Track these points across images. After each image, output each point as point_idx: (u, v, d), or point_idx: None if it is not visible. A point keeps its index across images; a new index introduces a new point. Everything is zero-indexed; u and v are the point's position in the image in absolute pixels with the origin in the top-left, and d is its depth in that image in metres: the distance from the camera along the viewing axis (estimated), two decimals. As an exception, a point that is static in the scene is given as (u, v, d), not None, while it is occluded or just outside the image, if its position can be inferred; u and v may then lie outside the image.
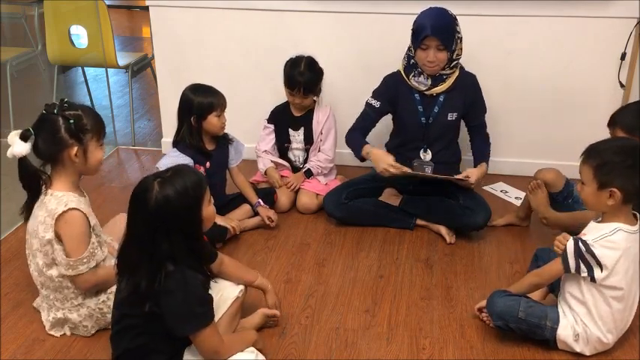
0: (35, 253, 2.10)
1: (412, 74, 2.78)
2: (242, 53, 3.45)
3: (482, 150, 2.92)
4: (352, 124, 2.97)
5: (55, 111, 2.03)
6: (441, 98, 2.80)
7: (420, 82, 2.77)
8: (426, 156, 2.88)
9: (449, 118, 2.83)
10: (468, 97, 2.82)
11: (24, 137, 2.00)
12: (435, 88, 2.77)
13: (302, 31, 3.34)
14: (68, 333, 2.18)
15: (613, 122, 2.43)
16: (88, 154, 2.08)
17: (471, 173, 2.75)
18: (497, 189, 3.28)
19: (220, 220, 2.69)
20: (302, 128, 3.13)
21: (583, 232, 2.06)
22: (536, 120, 3.35)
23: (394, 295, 2.45)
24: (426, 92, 2.79)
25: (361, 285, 2.51)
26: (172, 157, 2.69)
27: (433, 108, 2.81)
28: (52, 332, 2.19)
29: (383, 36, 3.00)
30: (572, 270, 2.01)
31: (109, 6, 3.85)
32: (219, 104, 2.73)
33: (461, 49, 2.76)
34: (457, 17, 2.72)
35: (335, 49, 3.33)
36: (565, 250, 2.02)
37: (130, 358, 1.86)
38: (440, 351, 2.15)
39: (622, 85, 3.18)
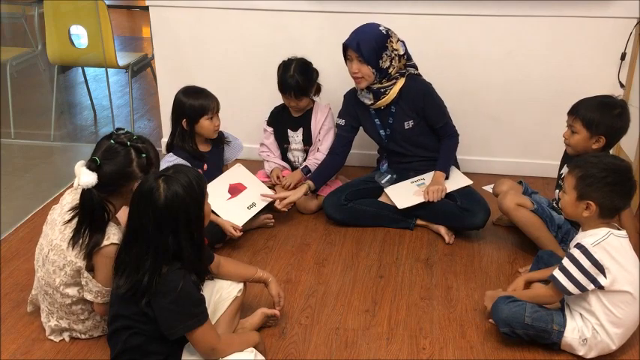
0: (55, 270, 2.02)
1: (358, 90, 2.88)
2: (242, 53, 3.45)
3: (442, 154, 2.92)
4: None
5: (128, 143, 1.98)
6: (393, 109, 2.87)
7: (364, 97, 2.88)
8: (384, 166, 3.01)
9: (406, 127, 2.89)
10: (416, 104, 2.85)
11: (91, 167, 1.92)
12: (379, 102, 2.85)
13: (301, 31, 3.35)
14: (67, 339, 2.16)
15: (575, 112, 2.44)
16: None
17: (430, 194, 2.77)
18: (497, 189, 3.28)
19: (222, 223, 2.70)
20: (301, 129, 3.13)
21: (573, 240, 2.07)
22: (536, 120, 3.35)
23: (394, 295, 2.45)
24: (372, 106, 2.87)
25: (361, 285, 2.51)
26: (169, 162, 2.67)
27: (388, 119, 2.90)
28: (51, 337, 2.16)
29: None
30: (576, 293, 2.00)
31: (109, 6, 3.85)
32: (210, 107, 2.72)
33: (403, 64, 2.82)
34: (393, 35, 2.77)
35: (334, 49, 3.32)
36: (556, 280, 2.02)
37: (126, 358, 1.86)
38: (440, 351, 2.15)
39: (622, 85, 3.18)
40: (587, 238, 2.00)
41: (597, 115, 2.37)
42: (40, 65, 4.85)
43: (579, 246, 1.99)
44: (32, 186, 3.28)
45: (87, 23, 3.86)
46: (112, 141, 1.99)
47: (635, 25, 3.07)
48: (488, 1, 3.14)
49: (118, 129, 2.05)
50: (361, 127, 3.05)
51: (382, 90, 2.81)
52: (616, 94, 2.52)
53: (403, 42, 2.82)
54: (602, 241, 1.98)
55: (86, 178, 1.90)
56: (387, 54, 2.75)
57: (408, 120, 2.88)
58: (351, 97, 2.99)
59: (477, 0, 3.14)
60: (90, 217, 1.95)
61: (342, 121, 3.01)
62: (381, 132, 2.94)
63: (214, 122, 2.76)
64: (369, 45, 2.72)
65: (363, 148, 3.35)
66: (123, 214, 1.98)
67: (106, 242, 1.97)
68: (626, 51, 3.13)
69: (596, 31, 3.14)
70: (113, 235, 1.98)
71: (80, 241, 1.97)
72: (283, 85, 2.99)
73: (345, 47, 2.79)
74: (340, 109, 3.03)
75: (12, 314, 2.31)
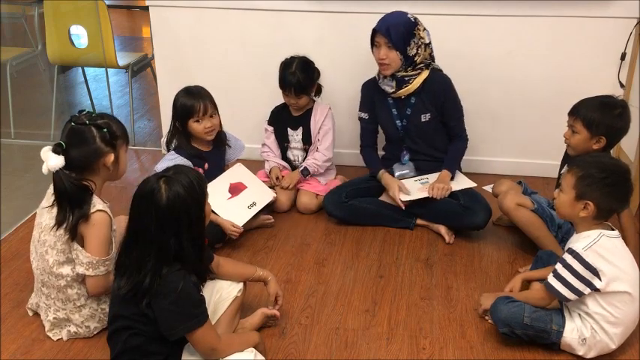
0: (47, 250, 2.08)
1: (380, 78, 2.89)
2: (242, 53, 3.45)
3: (451, 155, 2.95)
4: (360, 141, 3.08)
5: (87, 122, 2.05)
6: (412, 100, 2.88)
7: (386, 85, 2.87)
8: (406, 157, 2.99)
9: (422, 120, 2.90)
10: (437, 98, 2.87)
11: (57, 151, 1.99)
12: (401, 91, 2.84)
13: (301, 31, 3.34)
14: (65, 338, 2.17)
15: (575, 112, 2.43)
16: (119, 161, 2.12)
17: (435, 191, 2.78)
18: (497, 189, 3.27)
19: (222, 223, 2.70)
20: (301, 128, 3.13)
21: (567, 243, 2.08)
22: (536, 120, 3.35)
23: (394, 295, 2.45)
24: (393, 95, 2.87)
25: (361, 285, 2.51)
26: (170, 161, 2.68)
27: (406, 110, 2.90)
28: (50, 334, 2.18)
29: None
30: (573, 298, 2.00)
31: (109, 6, 3.85)
32: (196, 110, 2.69)
33: (429, 53, 2.84)
34: (420, 23, 2.80)
35: (334, 49, 3.33)
36: (552, 287, 2.01)
37: (126, 359, 1.86)
38: (440, 351, 2.15)
39: (622, 85, 3.18)
40: (579, 242, 2.00)
41: (598, 116, 2.37)
42: (40, 65, 4.86)
43: (571, 251, 2.00)
44: (32, 186, 3.28)
45: (87, 23, 3.85)
46: (72, 123, 2.06)
47: (635, 25, 3.07)
48: (488, 1, 3.14)
49: (80, 111, 2.12)
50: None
51: (406, 78, 2.82)
52: (616, 95, 2.52)
53: (428, 31, 2.83)
54: (593, 244, 1.98)
55: (53, 161, 1.98)
56: (414, 41, 2.76)
57: (426, 113, 2.88)
58: (369, 86, 2.98)
59: (477, 0, 3.14)
60: (67, 197, 2.01)
61: (365, 115, 3.01)
62: (397, 122, 2.93)
63: (204, 125, 2.72)
64: (397, 30, 2.73)
65: (363, 148, 3.35)
66: (121, 222, 2.01)
67: (92, 210, 2.03)
68: (626, 51, 3.13)
69: (596, 31, 3.13)
70: (99, 204, 2.05)
71: (65, 222, 2.03)
72: (284, 82, 2.99)
73: (374, 33, 2.80)
74: (360, 102, 3.03)
75: (12, 314, 2.31)
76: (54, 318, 2.16)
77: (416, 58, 2.79)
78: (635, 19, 3.07)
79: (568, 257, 1.99)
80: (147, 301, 1.75)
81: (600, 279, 1.96)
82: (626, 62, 3.15)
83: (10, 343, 2.17)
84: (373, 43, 2.82)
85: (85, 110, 2.11)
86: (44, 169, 2.00)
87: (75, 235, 2.04)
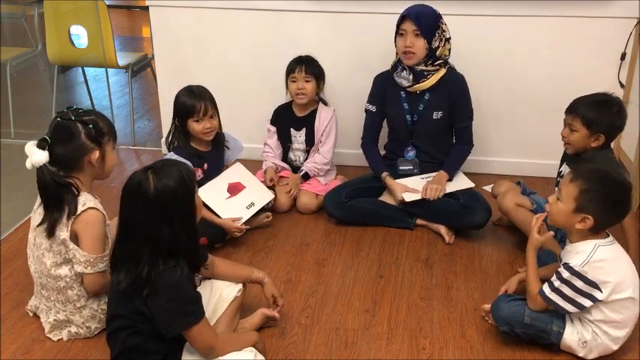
0: (43, 253, 2.07)
1: (397, 70, 2.87)
2: (242, 53, 3.45)
3: (453, 156, 2.96)
4: (362, 133, 3.06)
5: (73, 117, 2.03)
6: (427, 96, 2.87)
7: (403, 78, 2.86)
8: (411, 153, 2.97)
9: (434, 117, 2.89)
10: (452, 96, 2.87)
11: (41, 146, 1.98)
12: (418, 85, 2.84)
13: (302, 31, 3.34)
14: (65, 338, 2.16)
15: (574, 111, 2.43)
16: (105, 158, 2.10)
17: (428, 192, 2.79)
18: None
19: (222, 222, 2.70)
20: (304, 129, 3.12)
21: (561, 258, 2.07)
22: (536, 120, 3.35)
23: (394, 295, 2.45)
24: (409, 89, 2.86)
25: (361, 285, 2.51)
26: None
27: (418, 106, 2.89)
28: (50, 335, 2.17)
29: (382, 36, 3.01)
30: (574, 311, 2.00)
31: (109, 6, 3.85)
32: (196, 110, 2.69)
33: (448, 49, 2.85)
34: (443, 17, 2.82)
35: (334, 49, 3.33)
36: (550, 300, 2.00)
37: (126, 359, 1.86)
38: (440, 351, 2.15)
39: (622, 85, 3.18)
40: (575, 258, 1.98)
41: (597, 114, 2.37)
42: (40, 65, 4.85)
43: (568, 267, 1.97)
44: (32, 186, 3.27)
45: (87, 23, 3.85)
46: (58, 119, 2.05)
47: (635, 25, 3.07)
48: (488, 1, 3.14)
49: (68, 107, 2.11)
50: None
51: (425, 73, 2.82)
52: (610, 92, 2.51)
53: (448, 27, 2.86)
54: (590, 259, 1.96)
55: (37, 156, 1.97)
56: (438, 33, 2.78)
57: (439, 111, 2.88)
58: (381, 78, 2.98)
59: (477, 0, 3.14)
60: (48, 193, 2.00)
61: (373, 107, 3.00)
62: (408, 117, 2.92)
63: (203, 125, 2.71)
64: (427, 19, 2.76)
65: (363, 148, 3.35)
66: (113, 224, 2.01)
67: (82, 208, 2.02)
68: (626, 51, 3.13)
69: (596, 31, 3.14)
70: (89, 202, 2.04)
71: (47, 219, 2.02)
72: (294, 61, 3.03)
73: (401, 20, 2.79)
74: (369, 93, 3.02)
75: (12, 314, 2.31)
76: (54, 320, 2.15)
77: (437, 52, 2.80)
78: (635, 19, 3.07)
79: (565, 273, 1.97)
80: (146, 293, 1.74)
81: (602, 291, 1.95)
82: (626, 62, 3.15)
83: (10, 343, 2.17)
84: (398, 32, 2.81)
85: (73, 106, 2.10)
86: (28, 164, 1.99)
87: (53, 233, 2.02)
